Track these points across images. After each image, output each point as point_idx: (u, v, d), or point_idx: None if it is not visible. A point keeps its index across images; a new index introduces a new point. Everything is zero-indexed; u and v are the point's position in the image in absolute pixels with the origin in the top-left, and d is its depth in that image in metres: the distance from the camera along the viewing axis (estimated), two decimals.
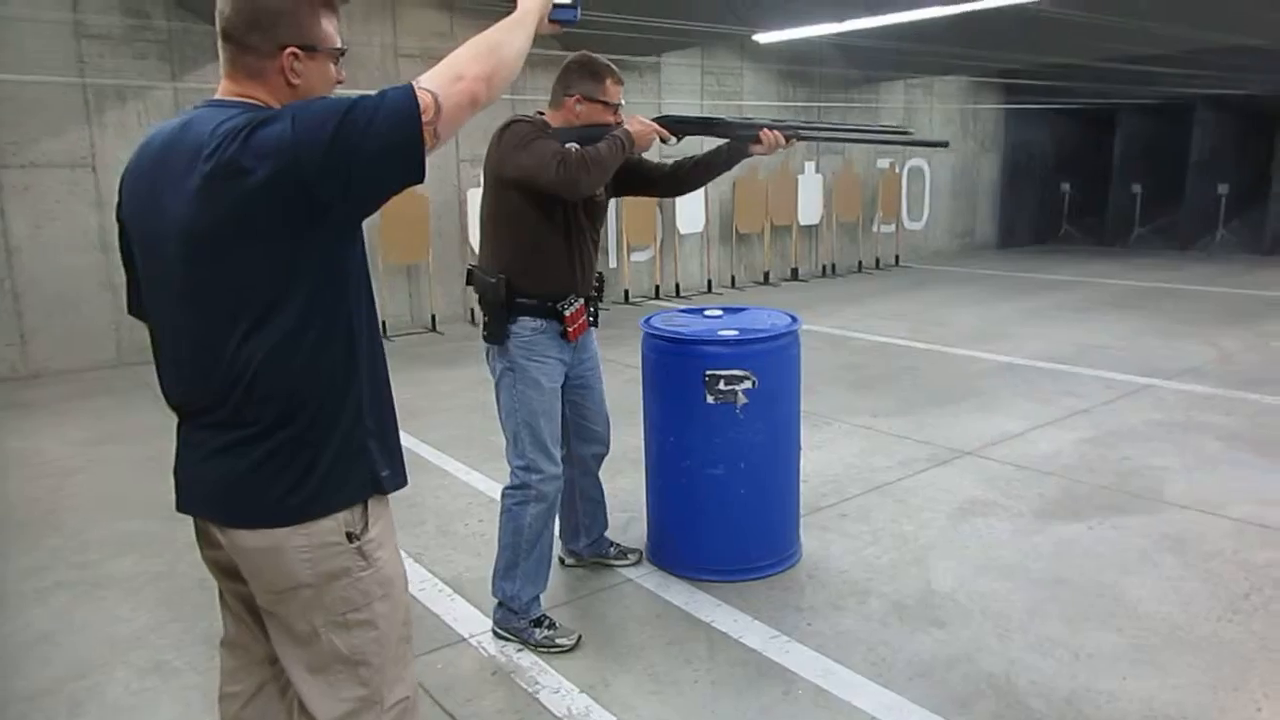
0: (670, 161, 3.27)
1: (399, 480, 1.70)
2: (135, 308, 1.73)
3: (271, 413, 1.52)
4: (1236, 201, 13.67)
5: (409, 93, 1.45)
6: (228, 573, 1.70)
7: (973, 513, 4.04)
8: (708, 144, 3.16)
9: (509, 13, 1.68)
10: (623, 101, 2.98)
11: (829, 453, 4.87)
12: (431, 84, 1.48)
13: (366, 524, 1.62)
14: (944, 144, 3.42)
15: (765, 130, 2.96)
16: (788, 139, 2.97)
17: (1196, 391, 5.96)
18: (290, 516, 1.55)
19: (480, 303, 2.99)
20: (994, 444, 4.97)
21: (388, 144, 1.44)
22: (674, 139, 3.01)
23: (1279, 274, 11.43)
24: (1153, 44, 9.35)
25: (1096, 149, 15.19)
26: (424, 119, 1.45)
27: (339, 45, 1.62)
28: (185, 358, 1.57)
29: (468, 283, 3.07)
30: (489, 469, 4.60)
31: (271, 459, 1.53)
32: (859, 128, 3.72)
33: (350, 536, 1.59)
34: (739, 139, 3.04)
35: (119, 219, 1.67)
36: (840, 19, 8.25)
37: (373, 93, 1.45)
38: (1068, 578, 3.40)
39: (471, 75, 1.52)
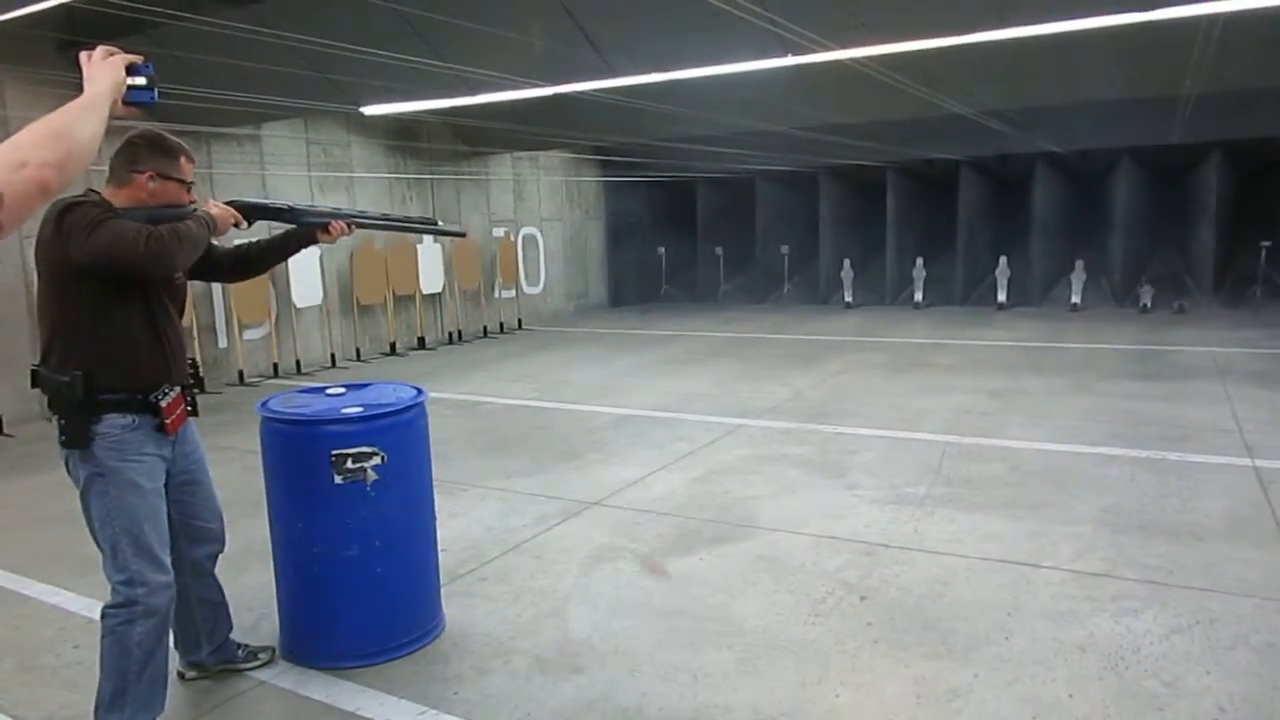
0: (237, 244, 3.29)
1: None
2: None
3: None
4: (797, 260, 16.16)
5: None
6: None
7: (602, 559, 4.33)
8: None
9: (78, 87, 1.59)
10: (193, 180, 2.89)
11: (466, 519, 4.94)
12: None
13: None
14: (461, 234, 4.27)
15: (334, 222, 3.15)
16: (349, 227, 3.18)
17: (778, 427, 6.91)
18: None
19: (51, 405, 2.69)
20: (617, 492, 5.37)
21: None
22: (246, 224, 3.03)
23: (832, 320, 13.69)
24: (711, 127, 10.80)
25: (684, 216, 17.11)
26: None
27: None
28: None
29: (33, 385, 2.74)
30: (83, 586, 4.04)
31: None
32: (398, 217, 3.97)
33: None
34: (307, 226, 3.18)
35: None
36: (441, 96, 8.54)
37: None
38: (686, 607, 3.77)
39: (38, 162, 1.40)
